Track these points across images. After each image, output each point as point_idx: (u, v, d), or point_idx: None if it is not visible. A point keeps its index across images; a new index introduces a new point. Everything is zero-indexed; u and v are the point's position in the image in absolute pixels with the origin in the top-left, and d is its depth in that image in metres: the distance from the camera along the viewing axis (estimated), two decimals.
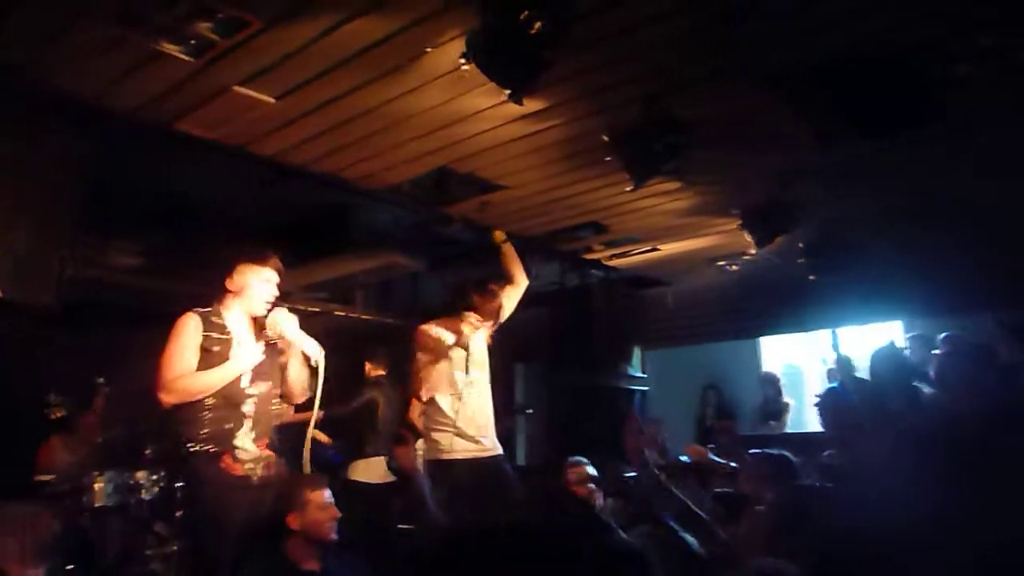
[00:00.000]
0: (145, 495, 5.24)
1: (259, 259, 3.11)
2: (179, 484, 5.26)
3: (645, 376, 6.61)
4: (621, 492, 4.35)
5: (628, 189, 3.35)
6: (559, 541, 0.86)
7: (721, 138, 3.64)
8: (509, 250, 4.39)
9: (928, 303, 5.58)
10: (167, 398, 2.91)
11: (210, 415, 2.91)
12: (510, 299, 4.22)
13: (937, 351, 3.93)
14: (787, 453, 3.60)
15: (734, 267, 5.89)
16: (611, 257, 5.80)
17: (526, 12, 2.21)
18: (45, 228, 3.29)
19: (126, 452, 5.56)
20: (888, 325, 6.39)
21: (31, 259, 3.24)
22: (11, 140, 3.17)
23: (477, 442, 3.81)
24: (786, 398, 6.82)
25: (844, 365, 5.20)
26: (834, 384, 5.85)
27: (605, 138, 3.26)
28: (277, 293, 3.18)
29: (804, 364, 8.16)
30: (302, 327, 3.14)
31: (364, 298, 6.28)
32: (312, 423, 3.20)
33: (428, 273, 5.99)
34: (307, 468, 3.23)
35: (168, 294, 5.09)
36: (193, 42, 2.61)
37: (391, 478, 5.57)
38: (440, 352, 3.82)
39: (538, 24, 2.23)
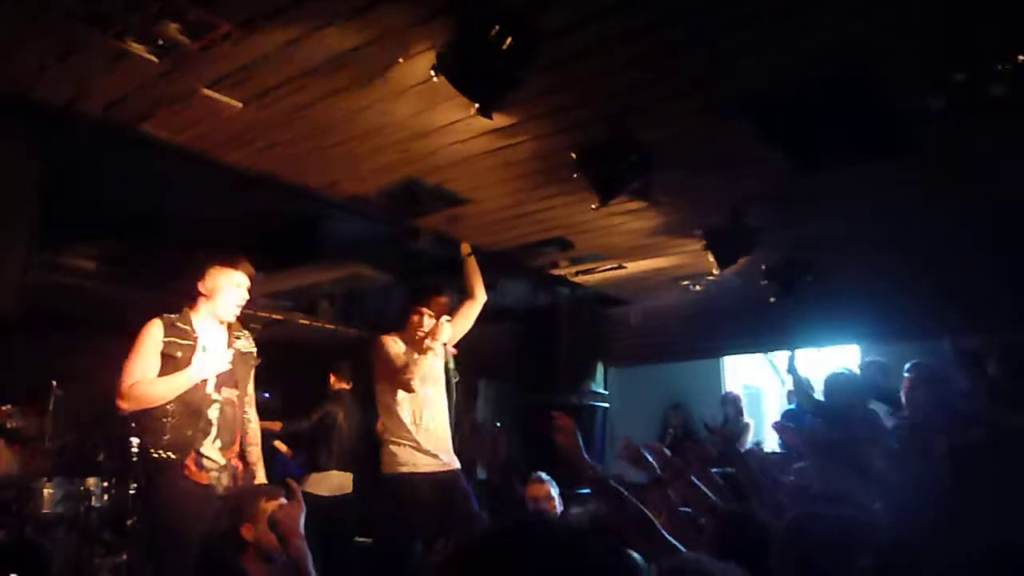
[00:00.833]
0: (95, 503, 5.12)
1: (230, 262, 3.12)
2: (131, 492, 5.16)
3: (608, 393, 6.64)
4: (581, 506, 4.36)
5: (594, 207, 3.38)
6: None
7: (685, 159, 3.70)
8: (472, 264, 4.41)
9: (885, 328, 5.71)
10: (124, 405, 2.86)
11: (172, 421, 2.87)
12: (470, 313, 4.23)
13: (905, 375, 4.08)
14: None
15: (697, 287, 5.97)
16: (576, 274, 5.84)
17: (497, 28, 2.24)
18: (3, 232, 3.22)
19: (77, 458, 5.43)
20: (845, 348, 6.53)
21: None
22: None
23: (436, 456, 3.79)
24: (746, 418, 6.90)
25: (801, 387, 5.29)
26: (791, 406, 5.95)
27: (573, 155, 3.29)
28: (248, 297, 3.16)
29: (764, 385, 8.29)
30: (265, 336, 3.14)
31: (330, 309, 6.24)
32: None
33: (395, 285, 5.97)
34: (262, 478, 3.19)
35: (127, 301, 5.02)
36: (161, 43, 2.58)
37: (346, 491, 5.51)
38: (397, 365, 3.80)
39: (508, 40, 2.25)
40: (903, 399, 4.08)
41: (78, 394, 5.58)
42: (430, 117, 3.29)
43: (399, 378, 3.75)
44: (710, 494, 2.78)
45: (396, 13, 2.51)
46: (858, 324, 5.76)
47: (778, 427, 4.80)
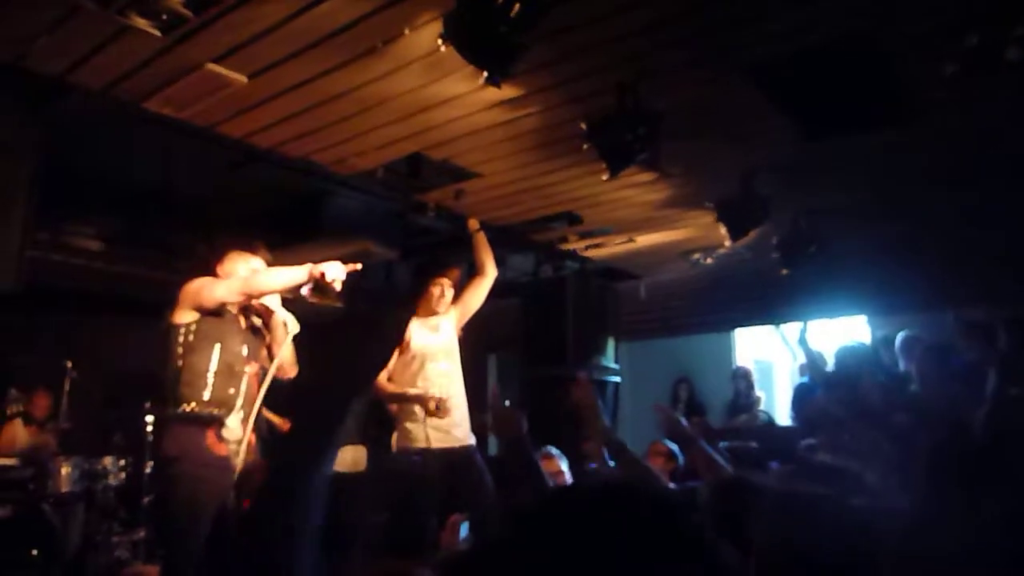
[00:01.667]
0: (112, 481, 5.18)
1: (249, 248, 3.17)
2: (147, 470, 5.21)
3: (618, 368, 6.62)
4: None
5: (604, 179, 3.34)
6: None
7: (695, 129, 3.65)
8: (481, 239, 4.37)
9: (892, 300, 5.68)
10: (239, 298, 2.96)
11: (216, 379, 2.91)
12: (480, 289, 4.21)
13: (901, 348, 4.05)
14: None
15: (708, 260, 5.94)
16: (586, 248, 5.81)
17: None
18: (5, 209, 3.21)
19: (92, 438, 5.48)
20: (853, 320, 6.49)
21: None
22: None
23: (449, 433, 3.80)
24: (757, 392, 6.89)
25: (812, 360, 5.26)
26: (804, 379, 5.93)
27: (583, 126, 3.25)
28: None
29: (776, 359, 8.26)
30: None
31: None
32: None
33: (401, 261, 5.95)
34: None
35: (131, 279, 5.03)
36: (164, 17, 2.55)
37: (360, 467, 5.54)
38: (407, 341, 3.80)
39: (516, 6, 2.21)
40: (913, 373, 4.05)
41: (91, 373, 5.63)
42: (436, 90, 3.25)
43: (414, 355, 3.75)
44: (721, 463, 2.77)
45: None
46: (865, 295, 5.73)
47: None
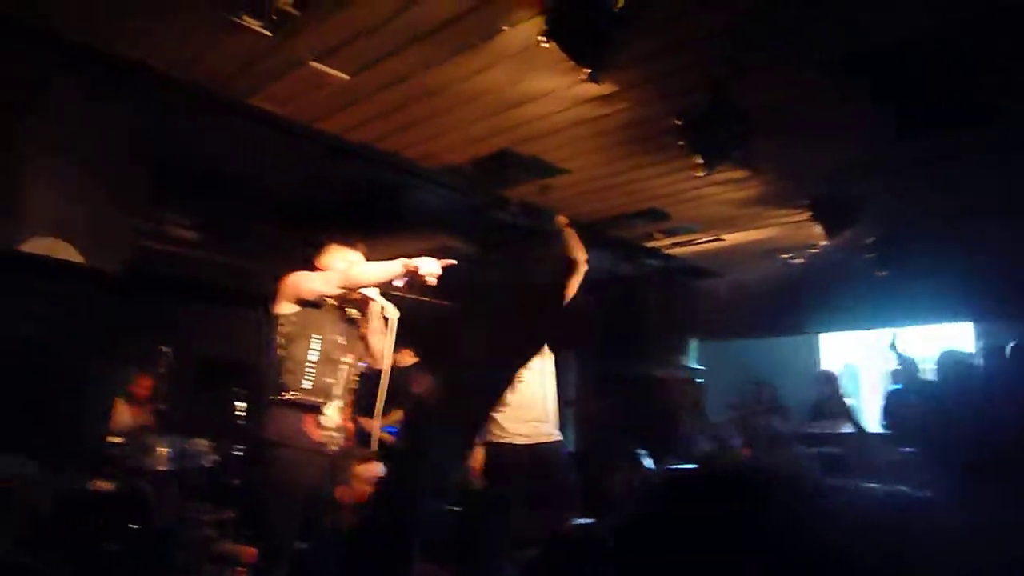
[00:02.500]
0: (204, 462, 5.39)
1: (348, 243, 3.23)
2: (237, 452, 5.41)
3: (700, 368, 6.52)
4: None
5: (698, 175, 3.29)
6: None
7: (790, 125, 3.57)
8: (572, 234, 4.34)
9: (1000, 305, 5.38)
10: (336, 290, 3.03)
11: (316, 368, 3.00)
12: (572, 285, 4.19)
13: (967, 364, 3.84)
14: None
15: (798, 260, 5.77)
16: (671, 246, 5.73)
17: None
18: (118, 198, 3.38)
19: (185, 419, 5.72)
20: (957, 327, 6.19)
21: (106, 227, 3.34)
22: (86, 110, 3.26)
23: (536, 427, 3.80)
24: (844, 397, 6.66)
25: (907, 367, 5.06)
26: (898, 386, 5.71)
27: (677, 122, 3.20)
28: None
29: (864, 364, 7.97)
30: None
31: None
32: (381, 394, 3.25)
33: (482, 256, 5.99)
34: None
35: (225, 268, 5.22)
36: (274, 16, 2.63)
37: None
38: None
39: (620, 2, 2.19)
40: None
41: (186, 358, 5.87)
42: (528, 86, 3.26)
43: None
44: None
45: None
46: (971, 300, 5.44)
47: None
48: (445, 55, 2.98)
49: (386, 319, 3.26)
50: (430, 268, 3.02)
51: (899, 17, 2.67)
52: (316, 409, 2.99)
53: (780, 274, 6.29)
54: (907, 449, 3.94)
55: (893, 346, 5.33)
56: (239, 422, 5.47)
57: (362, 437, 3.66)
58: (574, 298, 4.37)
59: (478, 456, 3.79)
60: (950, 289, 5.32)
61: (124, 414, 5.50)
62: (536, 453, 3.73)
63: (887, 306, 5.57)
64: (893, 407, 5.12)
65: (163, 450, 5.04)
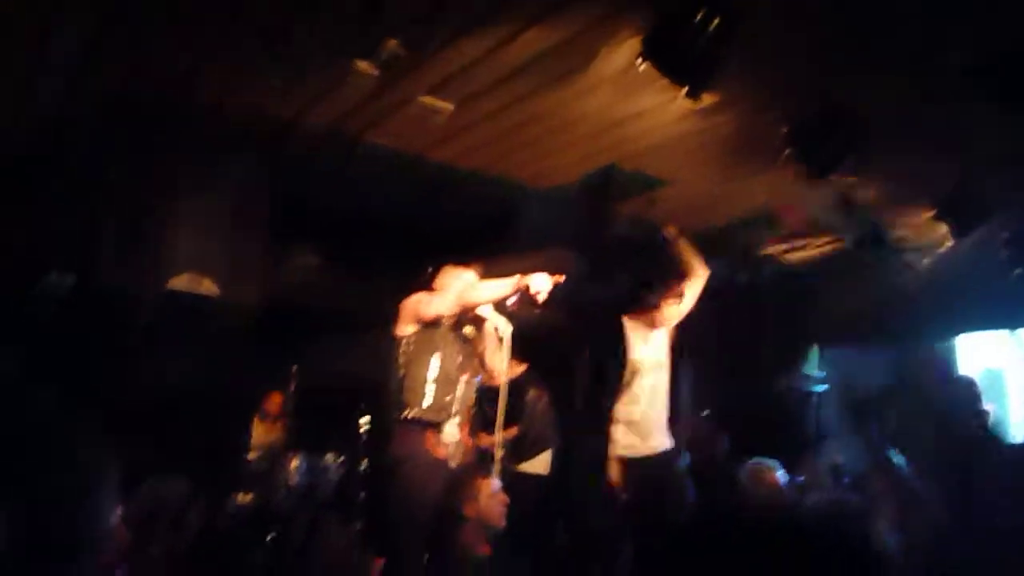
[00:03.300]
0: (332, 476, 5.68)
1: (463, 263, 3.35)
2: (362, 468, 5.67)
3: (823, 376, 6.26)
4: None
5: (806, 184, 3.20)
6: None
7: (907, 129, 3.40)
8: (684, 243, 4.31)
9: None
10: (447, 309, 3.20)
11: (434, 387, 3.13)
12: (693, 293, 4.16)
13: None
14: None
15: (925, 260, 5.46)
16: (785, 251, 5.56)
17: (704, 10, 2.19)
18: (247, 237, 3.65)
19: (312, 436, 6.04)
20: None
21: (236, 263, 3.61)
22: (218, 160, 3.55)
23: (648, 441, 3.81)
24: (985, 405, 6.22)
25: None
26: None
27: (783, 131, 3.13)
28: None
29: (1008, 367, 7.42)
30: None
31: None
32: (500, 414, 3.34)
33: (593, 270, 6.01)
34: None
35: (351, 295, 5.50)
36: (384, 57, 2.79)
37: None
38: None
39: (715, 21, 2.19)
40: None
41: (312, 378, 6.21)
42: (630, 104, 3.29)
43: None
44: None
45: (593, 4, 2.53)
46: None
47: None
48: (548, 80, 3.06)
49: (500, 338, 3.36)
50: (541, 284, 3.09)
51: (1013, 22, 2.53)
52: (436, 426, 3.11)
53: (907, 276, 5.97)
54: None
55: None
56: (362, 438, 5.74)
57: (480, 453, 3.76)
58: (694, 308, 4.33)
59: (615, 470, 3.80)
60: None
61: (259, 431, 5.87)
62: (651, 465, 3.74)
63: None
64: None
65: (294, 464, 5.35)
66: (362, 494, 5.75)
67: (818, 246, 5.38)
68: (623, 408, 3.84)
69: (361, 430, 5.87)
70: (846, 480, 4.76)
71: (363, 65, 2.84)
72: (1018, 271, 4.58)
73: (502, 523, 2.98)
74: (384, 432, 3.28)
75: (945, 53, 2.76)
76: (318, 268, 5.29)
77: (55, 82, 3.11)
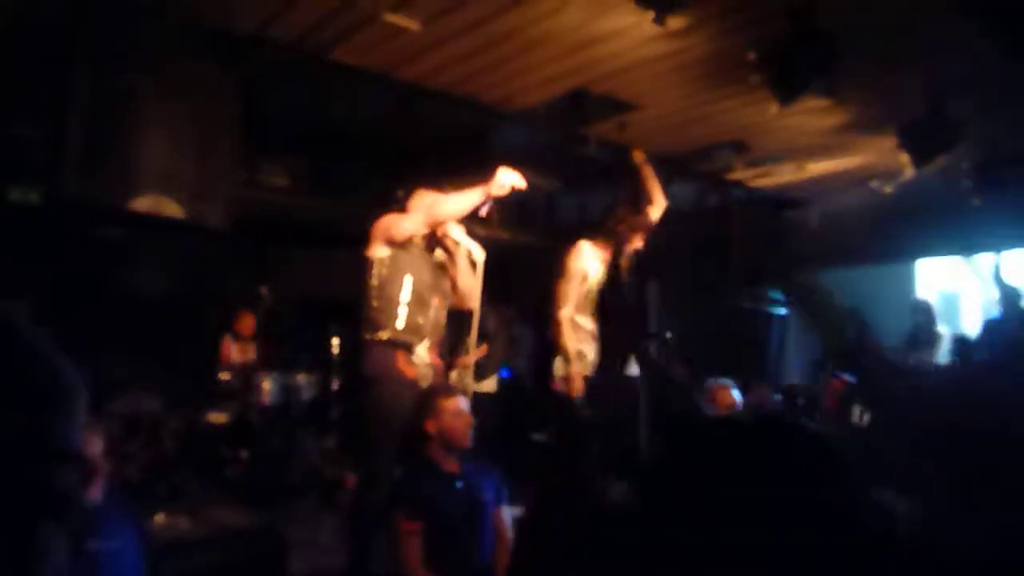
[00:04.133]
0: (304, 395, 5.78)
1: (435, 186, 3.37)
2: (335, 387, 5.77)
3: (785, 299, 6.42)
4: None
5: (774, 110, 3.21)
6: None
7: (876, 49, 3.40)
8: (648, 170, 4.35)
9: None
10: (418, 227, 3.23)
11: (407, 310, 3.19)
12: (650, 220, 4.22)
13: None
14: None
15: (887, 189, 5.54)
16: (753, 177, 5.61)
17: None
18: (213, 155, 3.59)
19: (283, 355, 6.11)
20: None
21: (203, 183, 3.56)
22: (181, 74, 3.46)
23: (606, 360, 3.92)
24: (939, 327, 6.45)
25: (1008, 296, 4.87)
26: (996, 316, 5.50)
27: (751, 56, 3.12)
28: None
29: (963, 290, 7.66)
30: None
31: (500, 219, 6.41)
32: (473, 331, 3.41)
33: (563, 193, 6.03)
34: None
35: (314, 212, 5.48)
36: None
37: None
38: (584, 272, 3.92)
39: None
40: None
41: (282, 298, 6.23)
42: (599, 24, 3.24)
43: (588, 286, 3.88)
44: None
45: None
46: None
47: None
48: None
49: (473, 262, 3.40)
50: (509, 179, 3.10)
51: None
52: (408, 348, 3.17)
53: (872, 201, 6.05)
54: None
55: (997, 275, 5.13)
56: (334, 358, 5.82)
57: (447, 374, 3.86)
58: (658, 229, 4.39)
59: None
60: None
61: (233, 351, 5.92)
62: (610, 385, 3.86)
63: (986, 231, 5.32)
64: (990, 337, 4.97)
65: (266, 384, 5.44)
66: (334, 413, 5.89)
67: (785, 172, 5.43)
68: (588, 329, 3.93)
69: (333, 351, 5.95)
70: (800, 401, 4.96)
71: None
72: (976, 200, 4.69)
73: (467, 443, 3.03)
74: (356, 352, 3.34)
75: None
76: (287, 187, 5.24)
77: None
